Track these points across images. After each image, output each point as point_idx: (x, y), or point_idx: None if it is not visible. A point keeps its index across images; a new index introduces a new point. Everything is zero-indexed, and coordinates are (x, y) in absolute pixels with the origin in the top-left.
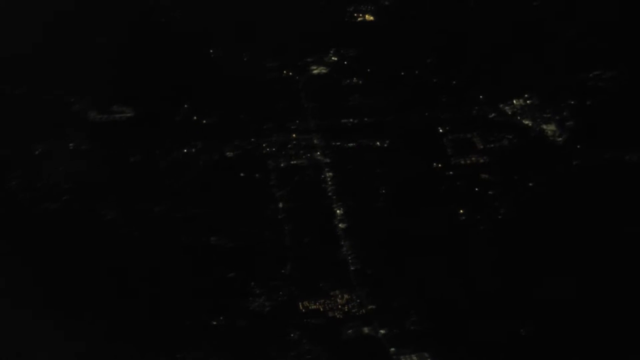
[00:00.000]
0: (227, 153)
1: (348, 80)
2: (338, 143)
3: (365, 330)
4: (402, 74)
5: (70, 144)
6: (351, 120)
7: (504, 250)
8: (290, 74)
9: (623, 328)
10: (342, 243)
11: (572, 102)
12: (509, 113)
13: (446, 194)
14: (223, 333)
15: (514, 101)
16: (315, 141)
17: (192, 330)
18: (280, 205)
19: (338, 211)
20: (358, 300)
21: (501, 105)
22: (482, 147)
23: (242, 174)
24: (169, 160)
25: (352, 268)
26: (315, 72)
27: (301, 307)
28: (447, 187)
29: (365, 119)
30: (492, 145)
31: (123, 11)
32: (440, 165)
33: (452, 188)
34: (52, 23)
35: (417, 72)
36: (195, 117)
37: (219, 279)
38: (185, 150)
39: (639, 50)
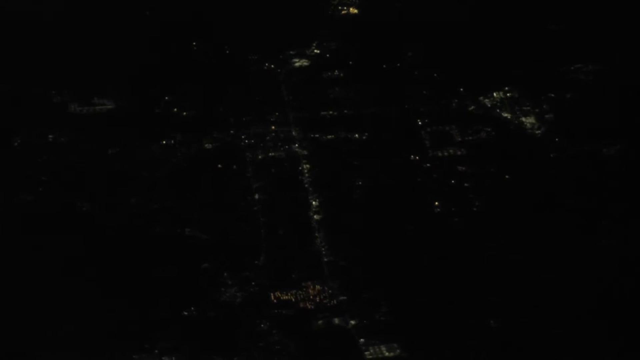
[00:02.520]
0: (206, 145)
1: (329, 73)
2: (316, 135)
3: (336, 321)
4: (384, 66)
5: (50, 136)
6: (330, 112)
7: (478, 242)
8: (272, 66)
9: (596, 321)
10: (317, 235)
11: (552, 95)
12: (489, 106)
13: (422, 186)
14: (193, 323)
15: (494, 94)
16: (293, 133)
17: (162, 320)
18: (257, 196)
19: (314, 203)
20: (330, 292)
21: (481, 98)
22: (460, 139)
23: (219, 166)
24: (147, 152)
25: (325, 259)
26: (297, 64)
27: (273, 298)
28: (423, 179)
29: (345, 112)
30: (470, 138)
31: (106, 4)
32: (417, 157)
33: (429, 180)
34: (34, 17)
35: (398, 64)
36: (175, 110)
37: (192, 270)
38: (164, 142)
39: (621, 44)
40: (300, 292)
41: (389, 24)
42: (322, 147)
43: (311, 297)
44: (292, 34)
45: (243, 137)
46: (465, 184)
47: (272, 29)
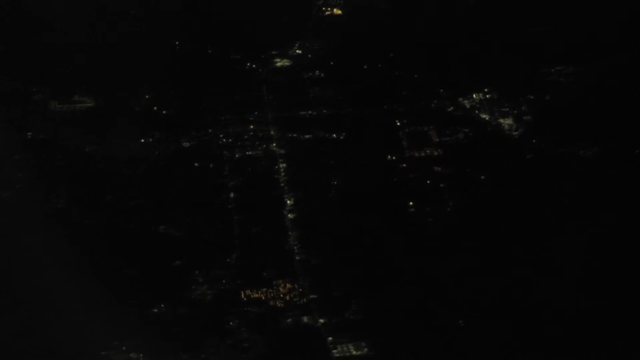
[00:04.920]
0: (184, 143)
1: (310, 73)
2: (294, 135)
3: (305, 319)
4: (365, 67)
5: (29, 134)
6: (309, 112)
7: (451, 242)
8: (254, 66)
9: (572, 319)
10: (290, 233)
11: (531, 97)
12: (467, 107)
13: (398, 186)
14: (163, 320)
15: (474, 95)
16: (272, 132)
17: (132, 317)
18: (232, 195)
19: (288, 202)
20: (300, 290)
21: (460, 99)
22: (437, 140)
23: (196, 164)
24: (126, 150)
25: (297, 258)
26: (278, 64)
27: (243, 296)
28: (399, 179)
29: (324, 111)
30: (447, 139)
31: (89, 3)
32: (394, 157)
33: (405, 180)
34: (16, 15)
35: (380, 65)
36: (155, 108)
37: (164, 267)
38: (142, 141)
39: (602, 47)
40: (270, 290)
41: (372, 25)
42: (300, 146)
43: (281, 295)
44: (275, 34)
45: (221, 136)
46: (441, 185)
47: (256, 30)
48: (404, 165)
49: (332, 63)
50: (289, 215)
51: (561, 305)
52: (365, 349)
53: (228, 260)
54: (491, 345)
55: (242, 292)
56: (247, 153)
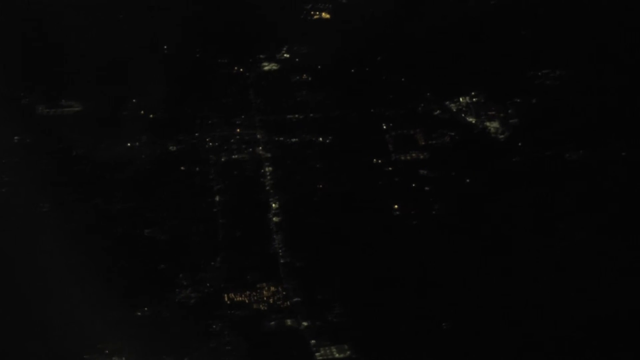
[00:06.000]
0: (170, 147)
1: (297, 77)
2: (281, 138)
3: (288, 322)
4: (353, 71)
5: (15, 137)
6: (296, 115)
7: (434, 245)
8: (241, 70)
9: (553, 324)
10: (274, 237)
11: (518, 100)
12: (454, 110)
13: (383, 189)
14: (146, 323)
15: (460, 99)
16: (258, 136)
17: (115, 320)
18: (217, 198)
19: (273, 205)
20: (284, 293)
21: (447, 103)
22: (423, 143)
23: (182, 168)
24: (112, 154)
25: (281, 261)
26: (266, 68)
27: (227, 299)
28: (384, 183)
29: (311, 115)
30: (433, 142)
31: (76, 6)
32: (380, 160)
33: (390, 183)
34: (4, 19)
35: (367, 69)
36: (142, 112)
37: (149, 271)
38: (129, 145)
39: (589, 51)
40: (254, 293)
41: (360, 29)
42: (286, 149)
43: (265, 298)
44: (264, 38)
45: (208, 139)
46: (426, 188)
47: (244, 33)
48: (390, 168)
49: (319, 67)
50: (274, 219)
51: (551, 309)
52: (348, 352)
53: (212, 263)
54: (474, 348)
55: (225, 295)
56: (234, 157)
